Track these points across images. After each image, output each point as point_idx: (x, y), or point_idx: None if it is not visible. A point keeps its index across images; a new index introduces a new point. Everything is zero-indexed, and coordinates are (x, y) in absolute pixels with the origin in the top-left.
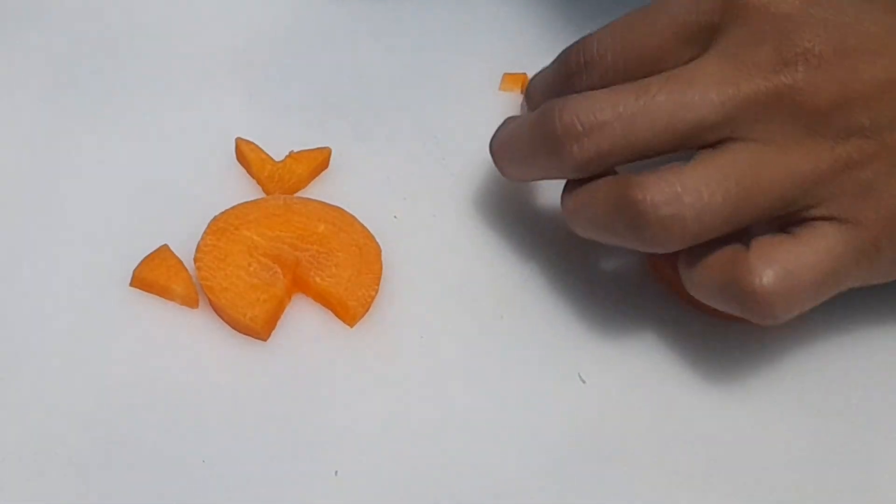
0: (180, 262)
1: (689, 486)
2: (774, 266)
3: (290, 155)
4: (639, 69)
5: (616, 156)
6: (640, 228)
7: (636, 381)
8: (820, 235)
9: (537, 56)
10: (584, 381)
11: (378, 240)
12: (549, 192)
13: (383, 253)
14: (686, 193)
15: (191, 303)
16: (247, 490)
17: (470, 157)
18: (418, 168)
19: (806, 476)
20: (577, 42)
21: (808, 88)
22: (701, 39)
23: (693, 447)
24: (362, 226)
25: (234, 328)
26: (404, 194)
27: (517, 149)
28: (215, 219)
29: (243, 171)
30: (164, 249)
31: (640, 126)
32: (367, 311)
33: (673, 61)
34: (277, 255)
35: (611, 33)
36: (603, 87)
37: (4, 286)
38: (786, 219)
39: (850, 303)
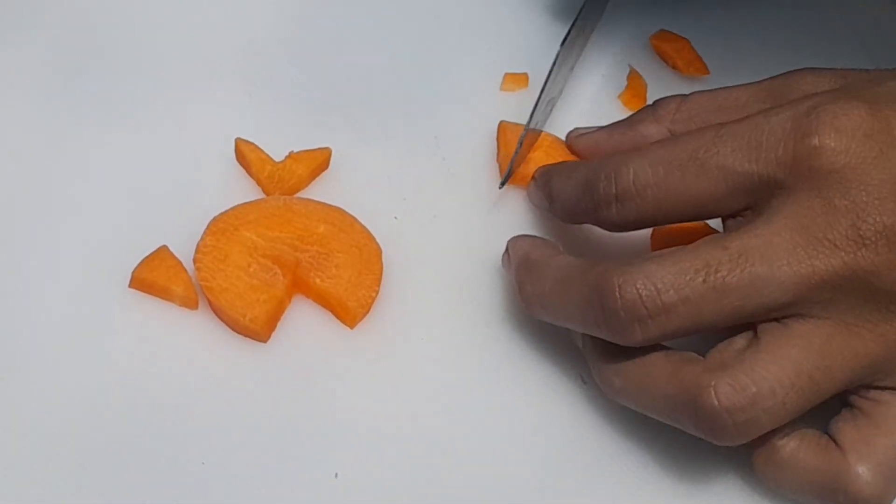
0: (180, 262)
1: (689, 488)
2: (873, 464)
3: (290, 155)
4: (683, 213)
5: (680, 334)
6: (716, 432)
7: None
8: (893, 412)
9: (538, 56)
10: (584, 382)
11: (378, 240)
12: None
13: (383, 254)
14: (761, 397)
15: (190, 304)
16: (246, 492)
17: (470, 158)
18: (419, 168)
19: None
20: (606, 164)
21: (886, 269)
22: (758, 193)
23: (695, 449)
24: (363, 226)
25: (233, 329)
26: (404, 195)
27: (558, 305)
28: (215, 219)
29: (243, 171)
30: (164, 250)
31: (708, 310)
32: (367, 312)
33: (722, 210)
34: (277, 256)
35: (651, 167)
36: (638, 220)
37: (4, 287)
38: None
39: None
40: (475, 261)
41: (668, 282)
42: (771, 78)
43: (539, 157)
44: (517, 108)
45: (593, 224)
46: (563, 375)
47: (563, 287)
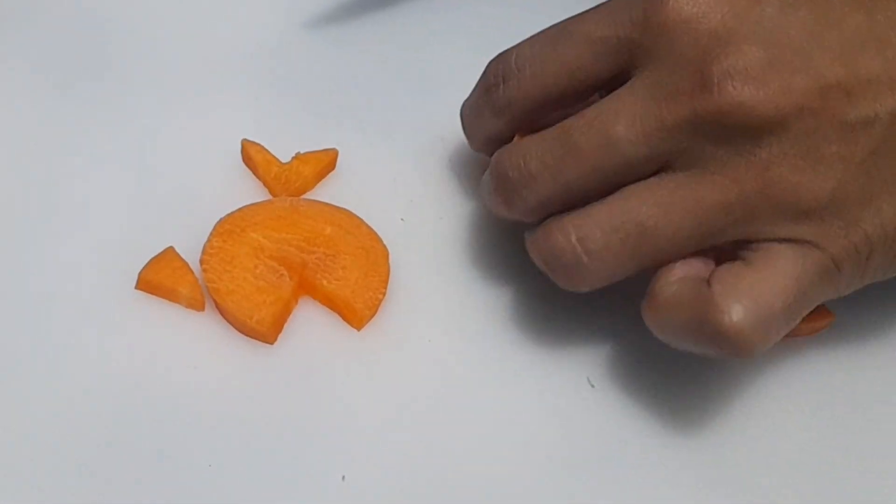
0: (186, 264)
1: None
2: (742, 300)
3: (297, 156)
4: (557, 83)
5: (558, 201)
6: (555, 275)
7: (641, 386)
8: (778, 260)
9: None
10: (593, 386)
11: (384, 242)
12: None
13: (390, 255)
14: (582, 239)
15: (197, 305)
16: (253, 494)
17: (476, 159)
18: (425, 170)
19: (806, 480)
20: (498, 55)
21: (734, 108)
22: (620, 54)
23: (696, 452)
24: (369, 228)
25: (240, 331)
26: (411, 196)
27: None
28: (221, 221)
29: (249, 172)
30: (170, 252)
31: (569, 172)
32: (374, 314)
33: (593, 76)
34: (284, 258)
35: (529, 46)
36: (522, 99)
37: (11, 288)
38: (737, 243)
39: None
40: (482, 262)
41: (533, 151)
42: None
43: None
44: None
45: (492, 124)
46: (571, 377)
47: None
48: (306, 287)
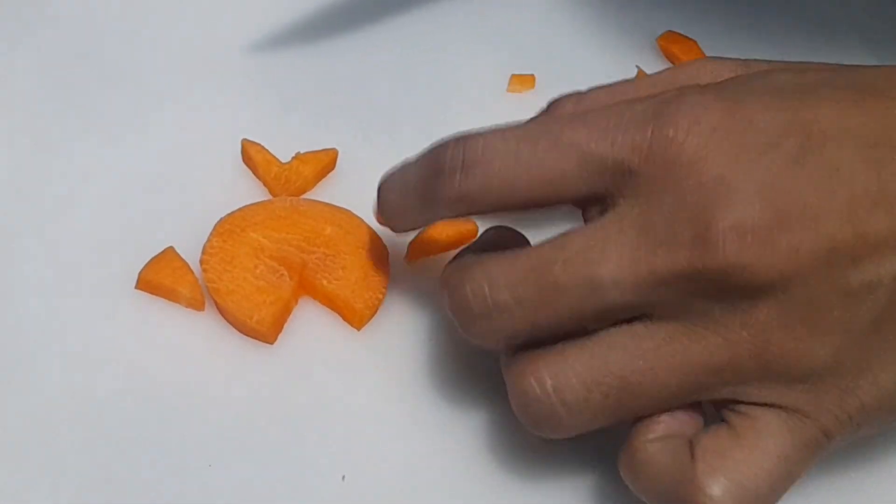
0: (186, 264)
1: None
2: (725, 482)
3: (297, 156)
4: (529, 188)
5: (524, 336)
6: (522, 417)
7: None
8: (766, 435)
9: (545, 57)
10: None
11: (384, 242)
12: None
13: (390, 255)
14: (559, 389)
15: (197, 305)
16: (253, 494)
17: None
18: None
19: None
20: (457, 137)
21: (734, 267)
22: (611, 177)
23: None
24: (370, 228)
25: (240, 331)
26: None
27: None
28: (221, 221)
29: (249, 172)
30: (170, 252)
31: (543, 311)
32: (374, 313)
33: (572, 191)
34: (284, 258)
35: (502, 139)
36: (482, 195)
37: (10, 288)
38: (720, 403)
39: None
40: None
41: (500, 280)
42: (673, 68)
43: None
44: (524, 109)
45: (431, 214)
46: None
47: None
48: (306, 287)
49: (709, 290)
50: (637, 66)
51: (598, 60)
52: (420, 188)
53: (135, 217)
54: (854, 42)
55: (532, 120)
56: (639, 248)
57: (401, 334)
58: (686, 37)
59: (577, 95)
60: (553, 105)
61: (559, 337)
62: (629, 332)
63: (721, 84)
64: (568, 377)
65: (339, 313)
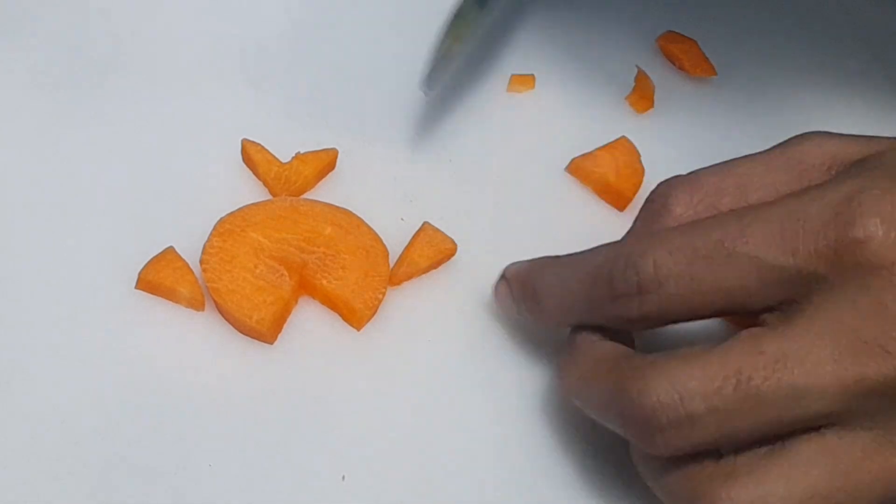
0: (186, 264)
1: None
2: None
3: (297, 156)
4: (709, 306)
5: (710, 446)
6: None
7: None
8: None
9: (545, 57)
10: None
11: (385, 242)
12: (557, 194)
13: (390, 255)
14: None
15: (197, 305)
16: (253, 495)
17: (477, 159)
18: (425, 170)
19: None
20: (620, 252)
21: None
22: (796, 286)
23: None
24: (370, 228)
25: (240, 331)
26: (411, 196)
27: (586, 399)
28: (221, 220)
29: (249, 172)
30: (170, 251)
31: (739, 421)
32: (374, 313)
33: (755, 303)
34: (284, 258)
35: (671, 257)
36: (661, 316)
37: (10, 288)
38: None
39: None
40: (482, 262)
41: (693, 389)
42: (781, 146)
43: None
44: (524, 109)
45: (596, 322)
46: None
47: (590, 381)
48: (306, 287)
49: None
50: (637, 66)
51: (598, 60)
52: (590, 304)
53: (135, 217)
54: (855, 42)
55: (690, 225)
56: (842, 356)
57: (400, 334)
58: (686, 37)
59: (688, 183)
60: (661, 195)
61: (741, 446)
62: (823, 444)
63: (885, 166)
64: (771, 502)
65: (339, 313)
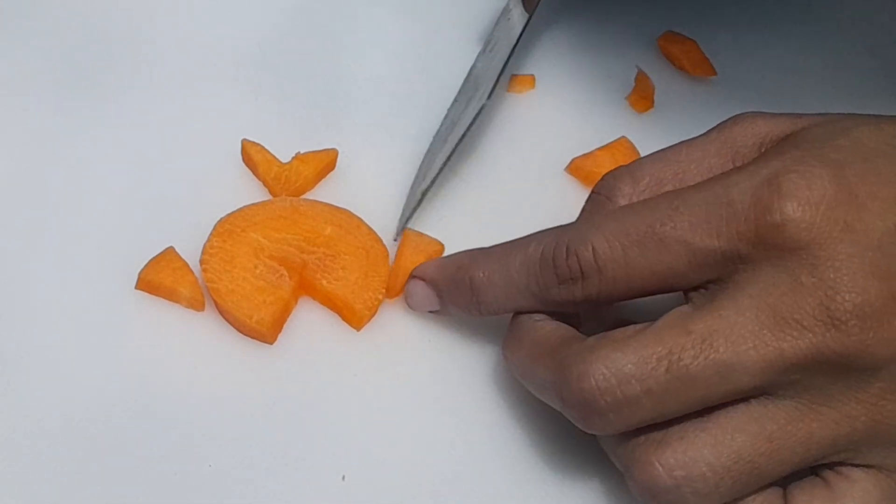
0: (186, 264)
1: None
2: None
3: (297, 156)
4: (643, 287)
5: (646, 423)
6: (646, 500)
7: None
8: (860, 493)
9: (545, 57)
10: None
11: (385, 242)
12: (556, 195)
13: (390, 256)
14: (689, 479)
15: (197, 305)
16: (254, 494)
17: (477, 160)
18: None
19: None
20: (559, 237)
21: (857, 349)
22: (722, 266)
23: None
24: (369, 228)
25: (240, 331)
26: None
27: (531, 379)
28: (221, 221)
29: (249, 172)
30: (170, 252)
31: (672, 400)
32: (373, 314)
33: (685, 283)
34: (284, 258)
35: (608, 243)
36: (600, 298)
37: (11, 288)
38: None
39: None
40: None
41: (629, 372)
42: (718, 127)
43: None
44: (525, 109)
45: (539, 307)
46: None
47: (533, 362)
48: (306, 287)
49: (830, 370)
50: (637, 66)
51: (598, 60)
52: (533, 290)
53: (135, 217)
54: (855, 43)
55: (623, 210)
56: (762, 332)
57: (400, 334)
58: (686, 37)
59: (630, 174)
60: (606, 186)
61: (675, 418)
62: (749, 413)
63: (809, 147)
64: (698, 466)
65: (339, 313)
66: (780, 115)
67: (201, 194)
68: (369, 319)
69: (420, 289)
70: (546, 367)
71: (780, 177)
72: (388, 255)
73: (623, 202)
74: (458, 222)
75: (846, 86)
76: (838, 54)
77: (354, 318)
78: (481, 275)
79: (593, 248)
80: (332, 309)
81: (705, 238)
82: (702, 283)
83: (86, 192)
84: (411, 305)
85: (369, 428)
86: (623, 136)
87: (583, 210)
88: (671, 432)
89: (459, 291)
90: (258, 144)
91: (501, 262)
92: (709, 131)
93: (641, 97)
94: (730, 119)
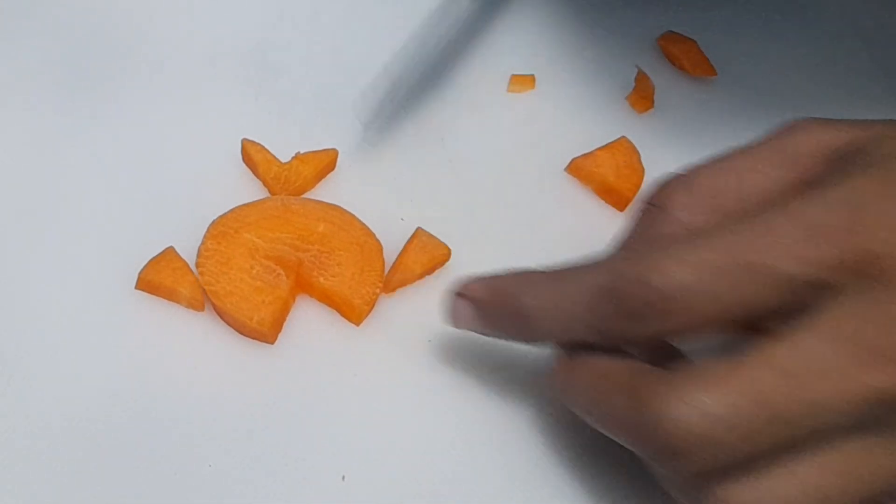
0: (186, 264)
1: None
2: None
3: (297, 156)
4: (724, 318)
5: (729, 459)
6: None
7: None
8: None
9: (545, 57)
10: None
11: (385, 242)
12: (556, 195)
13: (390, 255)
14: None
15: (197, 305)
16: (254, 495)
17: (477, 159)
18: (425, 170)
19: None
20: (629, 266)
21: None
22: (802, 292)
23: None
24: (362, 224)
25: (240, 332)
26: (411, 196)
27: (595, 413)
28: (214, 223)
29: (249, 172)
30: (170, 252)
31: (759, 441)
32: (371, 308)
33: (768, 311)
34: (279, 257)
35: (694, 271)
36: (675, 332)
37: (11, 288)
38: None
39: None
40: (482, 262)
41: (716, 413)
42: (771, 137)
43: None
44: (525, 109)
45: (597, 340)
46: None
47: (601, 397)
48: (303, 285)
49: None
50: (637, 66)
51: (598, 60)
52: (593, 323)
53: (135, 217)
54: (855, 42)
55: (704, 237)
56: (855, 366)
57: (400, 333)
58: (686, 37)
59: (684, 183)
60: (659, 196)
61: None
62: (838, 452)
63: (885, 167)
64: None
65: (338, 310)
66: (838, 122)
67: (201, 194)
68: (368, 314)
69: (465, 309)
70: (617, 403)
71: (869, 202)
72: (381, 250)
73: (680, 213)
74: (458, 222)
75: (846, 86)
76: (838, 54)
77: (353, 313)
78: (532, 302)
79: (667, 278)
80: (330, 305)
81: (790, 264)
82: (781, 312)
83: (86, 192)
84: (453, 323)
85: (369, 428)
86: (623, 136)
87: (633, 224)
88: (755, 472)
89: (508, 319)
90: (258, 144)
91: (554, 291)
92: (764, 138)
93: (641, 97)
94: (785, 126)
